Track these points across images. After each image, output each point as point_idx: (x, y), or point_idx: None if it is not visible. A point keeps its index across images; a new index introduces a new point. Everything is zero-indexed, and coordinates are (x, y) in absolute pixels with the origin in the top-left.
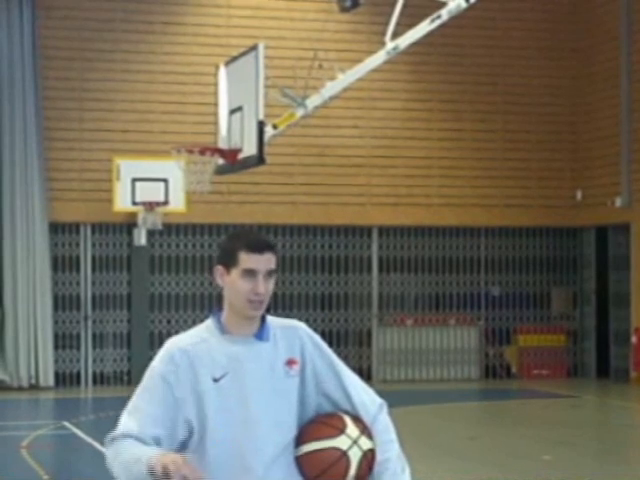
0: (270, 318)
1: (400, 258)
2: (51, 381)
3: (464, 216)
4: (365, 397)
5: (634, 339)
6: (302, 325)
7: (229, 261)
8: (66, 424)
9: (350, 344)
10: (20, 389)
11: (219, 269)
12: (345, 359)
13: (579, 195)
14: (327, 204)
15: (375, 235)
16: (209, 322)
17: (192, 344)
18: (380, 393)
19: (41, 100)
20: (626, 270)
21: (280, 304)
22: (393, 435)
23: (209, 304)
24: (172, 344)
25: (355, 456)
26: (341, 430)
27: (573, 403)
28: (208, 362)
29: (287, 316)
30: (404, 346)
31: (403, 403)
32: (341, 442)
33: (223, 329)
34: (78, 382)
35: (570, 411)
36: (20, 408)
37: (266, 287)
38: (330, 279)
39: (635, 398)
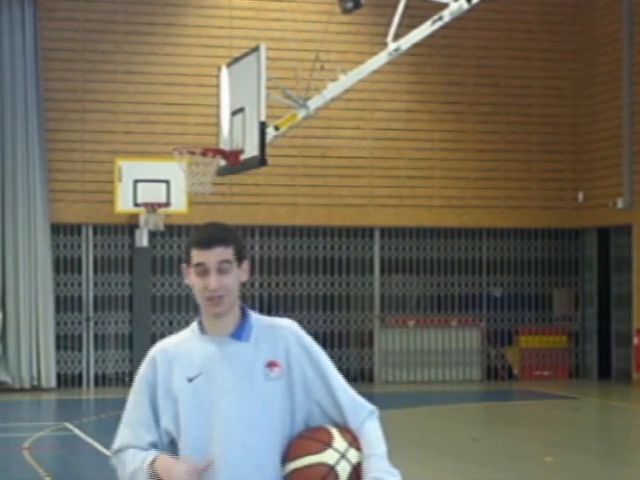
0: (256, 317)
1: (402, 259)
2: (53, 382)
3: (466, 217)
4: (354, 403)
5: (636, 340)
6: (290, 325)
7: (187, 259)
8: (68, 425)
9: (352, 345)
10: (22, 390)
11: (184, 267)
12: (347, 360)
13: (581, 196)
14: (329, 205)
15: (377, 236)
16: (194, 323)
17: (173, 345)
18: (382, 395)
19: (43, 101)
20: (628, 272)
21: (282, 305)
22: (382, 447)
23: None
24: (155, 347)
25: (344, 470)
26: (327, 444)
27: (575, 405)
28: (186, 362)
29: (289, 317)
30: (406, 347)
31: (405, 404)
32: (328, 456)
33: (203, 329)
34: (80, 383)
35: (572, 413)
36: (22, 409)
37: (220, 282)
38: (332, 280)
39: (637, 399)
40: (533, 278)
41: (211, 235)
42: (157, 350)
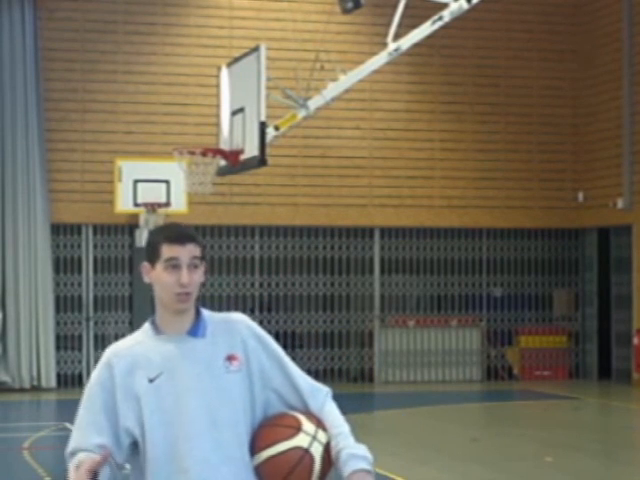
0: (208, 314)
1: (402, 259)
2: (53, 382)
3: (466, 217)
4: (312, 387)
5: (636, 340)
6: (243, 319)
7: (153, 256)
8: (68, 425)
9: (352, 345)
10: (22, 390)
11: (145, 266)
12: (347, 360)
13: (581, 196)
14: (329, 205)
15: (377, 236)
16: (146, 325)
17: (127, 347)
18: (382, 394)
19: (43, 101)
20: (628, 272)
21: (282, 305)
22: (345, 426)
23: (210, 305)
24: (109, 351)
25: (317, 451)
26: (298, 428)
27: (575, 405)
28: (144, 364)
29: (289, 317)
30: (406, 347)
31: (405, 404)
32: (301, 440)
33: (157, 329)
34: (80, 383)
35: (572, 413)
36: (22, 409)
37: (191, 278)
38: (332, 280)
39: (637, 400)
40: (533, 278)
41: (182, 232)
42: (111, 353)
